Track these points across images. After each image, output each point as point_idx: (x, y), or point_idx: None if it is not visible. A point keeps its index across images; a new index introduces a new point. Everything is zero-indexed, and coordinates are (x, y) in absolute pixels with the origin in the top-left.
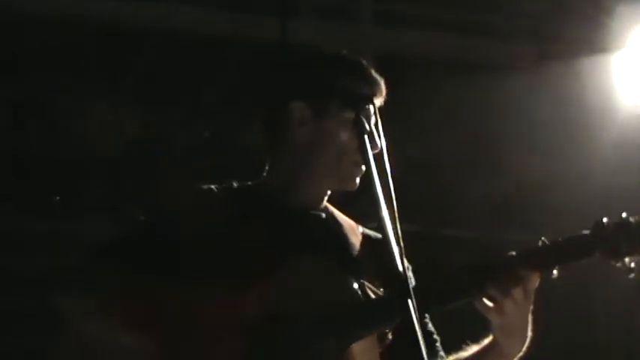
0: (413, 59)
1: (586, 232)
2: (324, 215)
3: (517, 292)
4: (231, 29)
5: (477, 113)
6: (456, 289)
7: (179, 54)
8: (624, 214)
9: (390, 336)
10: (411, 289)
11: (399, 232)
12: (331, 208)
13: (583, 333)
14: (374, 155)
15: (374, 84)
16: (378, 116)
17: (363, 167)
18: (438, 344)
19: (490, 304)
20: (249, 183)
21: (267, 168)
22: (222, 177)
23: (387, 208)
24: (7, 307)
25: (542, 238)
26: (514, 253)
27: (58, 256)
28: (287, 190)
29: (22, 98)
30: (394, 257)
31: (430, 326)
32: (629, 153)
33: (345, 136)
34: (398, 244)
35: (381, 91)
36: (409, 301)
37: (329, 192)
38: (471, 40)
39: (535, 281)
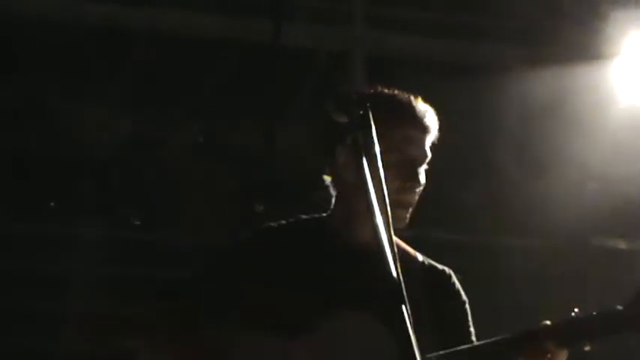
0: (405, 62)
1: (620, 307)
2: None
3: None
4: (225, 32)
5: (469, 116)
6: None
7: (174, 57)
8: None
9: None
10: (405, 295)
11: (393, 238)
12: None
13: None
14: (367, 160)
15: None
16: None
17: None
18: None
19: None
20: (316, 216)
21: (333, 201)
22: (217, 179)
23: (381, 214)
24: (3, 308)
25: (576, 310)
26: (548, 323)
27: (53, 258)
28: (348, 226)
29: (18, 100)
30: (389, 264)
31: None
32: (623, 157)
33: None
34: (392, 250)
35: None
36: (403, 307)
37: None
38: (463, 43)
39: (562, 357)
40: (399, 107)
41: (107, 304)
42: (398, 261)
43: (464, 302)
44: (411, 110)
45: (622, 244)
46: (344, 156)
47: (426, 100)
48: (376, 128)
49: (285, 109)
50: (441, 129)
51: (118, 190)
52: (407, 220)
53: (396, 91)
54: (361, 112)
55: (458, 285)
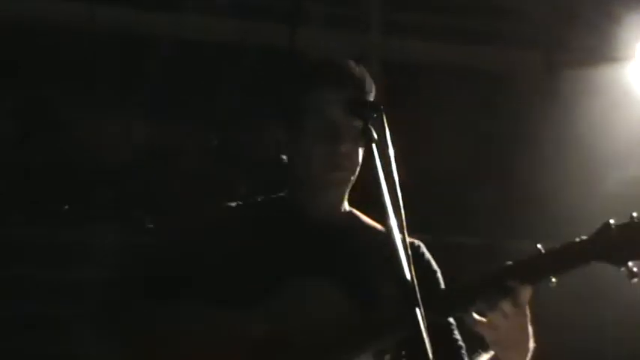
0: (421, 68)
1: (584, 237)
2: (343, 224)
3: (506, 306)
4: (241, 37)
5: (485, 121)
6: (444, 305)
7: (189, 62)
8: (635, 214)
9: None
10: (419, 299)
11: (407, 241)
12: (355, 214)
13: (593, 343)
14: (382, 164)
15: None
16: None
17: (335, 157)
18: (463, 351)
19: (481, 318)
20: (273, 196)
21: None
22: (231, 186)
23: (395, 217)
24: (18, 315)
25: (539, 246)
26: (509, 262)
27: (68, 264)
28: (302, 202)
29: (30, 107)
30: (402, 267)
31: (456, 334)
32: (635, 162)
33: (310, 151)
34: (406, 253)
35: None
36: (417, 310)
37: (341, 197)
38: (479, 48)
39: (525, 293)
40: (317, 68)
41: None
42: (412, 264)
43: (435, 271)
44: (331, 69)
45: None
46: (280, 133)
47: (442, 105)
48: (301, 94)
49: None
50: (456, 132)
51: (132, 196)
52: (348, 184)
53: (325, 56)
54: (375, 116)
55: (428, 255)
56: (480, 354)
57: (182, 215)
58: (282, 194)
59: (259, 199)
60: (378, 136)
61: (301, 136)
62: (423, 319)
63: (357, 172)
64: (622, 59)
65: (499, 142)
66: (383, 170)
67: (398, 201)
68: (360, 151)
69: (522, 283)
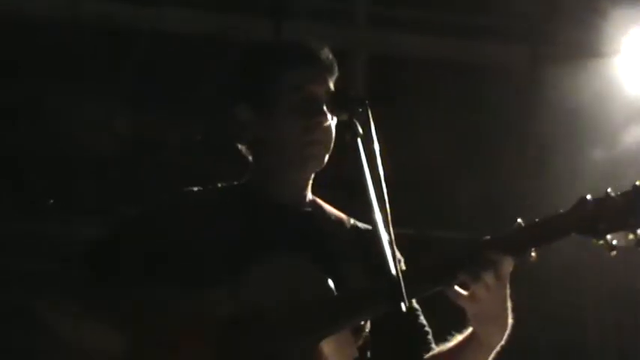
0: (407, 61)
1: (562, 211)
2: (308, 209)
3: (488, 277)
4: (225, 30)
5: (470, 115)
6: (427, 277)
7: (172, 55)
8: (609, 189)
9: (367, 329)
10: (404, 293)
11: (392, 235)
12: (319, 202)
13: (574, 332)
14: (367, 158)
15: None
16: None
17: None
18: (429, 337)
19: (463, 291)
20: (235, 183)
21: (249, 167)
22: (215, 178)
23: (380, 211)
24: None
25: (519, 220)
26: (488, 237)
27: (49, 257)
28: (265, 188)
29: (13, 99)
30: (387, 260)
31: (422, 319)
32: (622, 156)
33: (286, 126)
34: (391, 246)
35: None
36: (402, 304)
37: (306, 182)
38: (464, 42)
39: (507, 266)
40: (291, 48)
41: None
42: (398, 260)
43: (399, 260)
44: (304, 49)
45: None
46: (246, 115)
47: (428, 98)
48: (273, 75)
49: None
50: (442, 126)
51: (117, 189)
52: (324, 160)
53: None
54: (360, 110)
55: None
56: (454, 335)
57: (147, 202)
58: (243, 181)
59: (220, 185)
60: (362, 130)
61: (275, 113)
62: (408, 314)
63: (330, 150)
64: (608, 53)
65: (484, 136)
66: (368, 165)
67: (383, 195)
68: (333, 127)
69: (504, 255)
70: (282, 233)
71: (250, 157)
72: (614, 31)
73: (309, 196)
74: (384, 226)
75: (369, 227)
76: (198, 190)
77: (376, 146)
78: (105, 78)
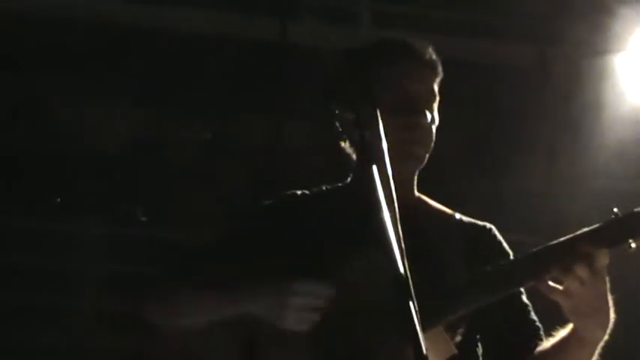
0: None
1: None
2: (411, 206)
3: (581, 271)
4: (231, 30)
5: (479, 114)
6: (520, 272)
7: (180, 54)
8: None
9: (463, 326)
10: (412, 291)
11: (401, 233)
12: (424, 199)
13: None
14: (374, 156)
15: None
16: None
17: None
18: (541, 332)
19: (557, 286)
20: (339, 184)
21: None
22: (223, 178)
23: (388, 210)
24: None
25: (615, 210)
26: (585, 229)
27: (56, 255)
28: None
29: (19, 97)
30: (396, 260)
31: (532, 315)
32: (631, 155)
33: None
34: (399, 245)
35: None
36: (411, 303)
37: (410, 181)
38: (473, 41)
39: (602, 258)
40: (393, 45)
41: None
42: (405, 257)
43: (508, 254)
44: (407, 46)
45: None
46: (345, 119)
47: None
48: (372, 72)
49: (291, 106)
50: (450, 126)
51: (123, 188)
52: (424, 159)
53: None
54: (367, 109)
55: (500, 238)
56: (558, 330)
57: (250, 205)
58: (346, 182)
59: (325, 188)
60: (370, 128)
61: (376, 112)
62: (416, 313)
63: (430, 149)
64: (615, 52)
65: (493, 135)
66: (376, 165)
67: (392, 195)
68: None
69: (597, 247)
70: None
71: (354, 157)
72: (622, 29)
73: (415, 194)
74: (393, 225)
75: (487, 224)
76: (303, 194)
77: (384, 145)
78: (108, 77)
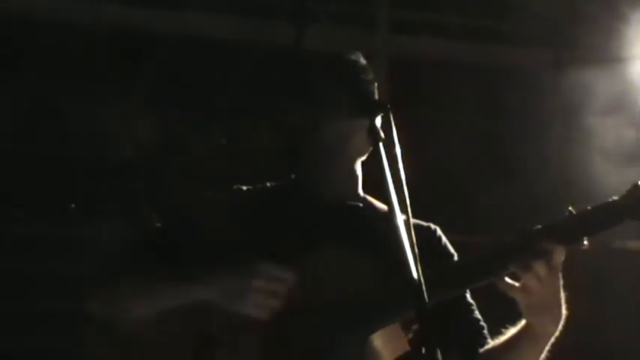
0: (428, 66)
1: (615, 197)
2: (357, 204)
3: (540, 268)
4: (247, 35)
5: (492, 119)
6: (478, 269)
7: (195, 59)
8: None
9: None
10: (425, 297)
11: (414, 238)
12: (369, 199)
13: (598, 336)
14: (389, 163)
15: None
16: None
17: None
18: (485, 331)
19: (514, 282)
20: (283, 182)
21: (295, 167)
22: (239, 182)
23: (402, 215)
24: (22, 311)
25: (570, 208)
26: (539, 226)
27: (73, 260)
28: (314, 184)
29: (35, 102)
30: (409, 264)
31: (477, 313)
32: None
33: (355, 136)
34: (412, 250)
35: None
36: (424, 308)
37: (354, 177)
38: (486, 46)
39: (559, 255)
40: (329, 56)
41: None
42: (418, 262)
43: (452, 255)
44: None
45: None
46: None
47: (449, 103)
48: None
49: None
50: (463, 131)
51: (139, 192)
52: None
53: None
54: (383, 115)
55: (445, 239)
56: (508, 329)
57: (191, 198)
58: (291, 180)
59: (269, 184)
60: (384, 135)
61: (323, 112)
62: (428, 317)
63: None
64: (629, 58)
65: (506, 140)
66: (390, 170)
67: (405, 200)
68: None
69: (556, 244)
70: (330, 226)
71: (297, 158)
72: (635, 35)
73: (360, 192)
74: (406, 230)
75: (431, 225)
76: (248, 189)
77: (398, 151)
78: (126, 81)
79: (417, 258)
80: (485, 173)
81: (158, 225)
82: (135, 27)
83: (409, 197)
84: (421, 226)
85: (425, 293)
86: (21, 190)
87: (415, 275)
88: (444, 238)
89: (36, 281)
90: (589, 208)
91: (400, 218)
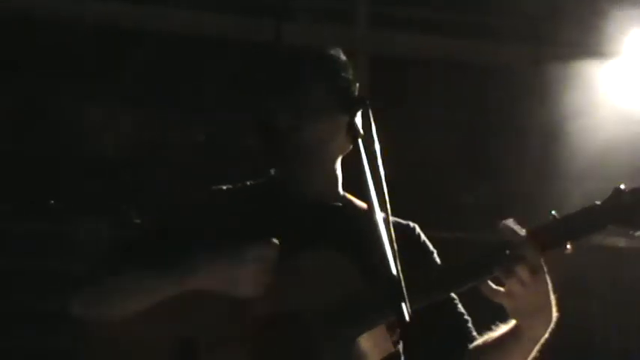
0: (408, 61)
1: (598, 202)
2: (337, 203)
3: (522, 272)
4: (227, 31)
5: (473, 115)
6: (461, 274)
7: (176, 56)
8: None
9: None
10: (405, 293)
11: (393, 234)
12: (349, 197)
13: (580, 333)
14: (368, 159)
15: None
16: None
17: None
18: (469, 324)
19: (498, 288)
20: (262, 180)
21: (274, 165)
22: (220, 179)
23: (382, 212)
24: (3, 309)
25: (553, 212)
26: (523, 231)
27: (55, 257)
28: (294, 183)
29: (20, 101)
30: (388, 261)
31: (460, 308)
32: (622, 157)
33: (336, 136)
34: (392, 247)
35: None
36: (403, 305)
37: (334, 176)
38: (466, 42)
39: (540, 260)
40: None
41: None
42: (398, 258)
43: (432, 252)
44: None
45: (621, 243)
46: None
47: (429, 99)
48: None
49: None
50: (444, 127)
51: (120, 190)
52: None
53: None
54: (362, 112)
55: (424, 237)
56: (498, 326)
57: (173, 199)
58: (270, 178)
59: (249, 183)
60: (364, 131)
61: (303, 112)
62: (408, 314)
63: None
64: (609, 54)
65: (486, 135)
66: (369, 166)
67: (384, 197)
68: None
69: (537, 250)
70: (312, 227)
71: (276, 157)
72: (615, 31)
73: (340, 191)
74: (385, 227)
75: (410, 223)
76: (228, 189)
77: (377, 147)
78: (110, 79)
79: (397, 256)
80: (464, 169)
81: (142, 227)
82: (117, 24)
83: (389, 194)
84: (400, 224)
85: (405, 291)
86: (6, 188)
87: (395, 274)
88: (423, 236)
89: (20, 279)
90: (572, 213)
91: (380, 216)
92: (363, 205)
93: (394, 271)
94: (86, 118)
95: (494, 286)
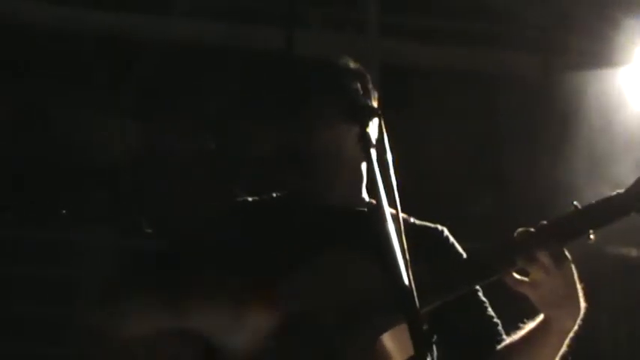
0: (419, 71)
1: (620, 191)
2: (363, 209)
3: (544, 259)
4: (238, 40)
5: (483, 124)
6: (485, 266)
7: (185, 65)
8: None
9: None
10: (416, 300)
11: (405, 244)
12: (375, 202)
13: (590, 343)
14: (380, 169)
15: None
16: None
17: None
18: (499, 327)
19: (523, 278)
20: (286, 192)
21: (296, 176)
22: (227, 187)
23: (393, 221)
24: (8, 316)
25: (575, 203)
26: (544, 222)
27: (60, 265)
28: (320, 192)
29: (24, 108)
30: (400, 272)
31: (490, 311)
32: (634, 167)
33: (349, 146)
34: (404, 257)
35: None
36: (414, 314)
37: (362, 183)
38: (476, 51)
39: (561, 246)
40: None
41: None
42: (409, 265)
43: (461, 255)
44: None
45: (635, 252)
46: (330, 135)
47: (440, 108)
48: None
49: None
50: (454, 136)
51: (128, 199)
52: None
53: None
54: (374, 121)
55: (452, 239)
56: (526, 324)
57: (198, 211)
58: (296, 189)
59: (275, 195)
60: (375, 140)
61: (314, 123)
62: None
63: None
64: (620, 63)
65: (496, 145)
66: (381, 175)
67: (396, 206)
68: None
69: (560, 240)
70: (339, 233)
71: (296, 166)
72: (625, 41)
73: (365, 197)
74: (397, 235)
75: (438, 226)
76: (254, 200)
77: (389, 156)
78: (117, 87)
79: (408, 261)
80: (475, 178)
81: (163, 245)
82: (124, 33)
83: (400, 202)
84: (428, 227)
85: (415, 295)
86: (10, 195)
87: (405, 279)
88: (451, 238)
89: (23, 285)
90: (594, 202)
91: (391, 225)
92: (392, 210)
93: (404, 277)
94: (91, 127)
95: (517, 276)
